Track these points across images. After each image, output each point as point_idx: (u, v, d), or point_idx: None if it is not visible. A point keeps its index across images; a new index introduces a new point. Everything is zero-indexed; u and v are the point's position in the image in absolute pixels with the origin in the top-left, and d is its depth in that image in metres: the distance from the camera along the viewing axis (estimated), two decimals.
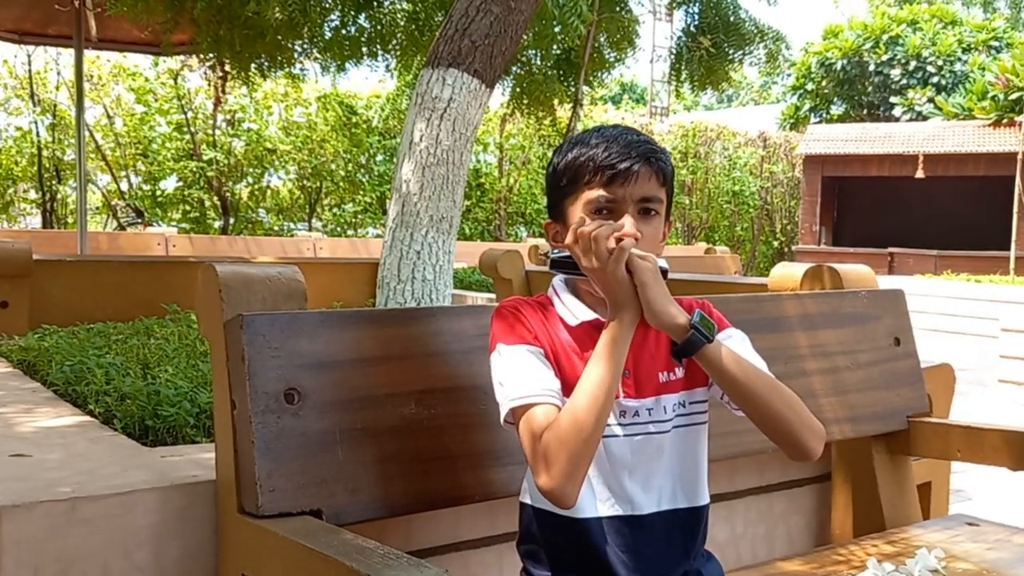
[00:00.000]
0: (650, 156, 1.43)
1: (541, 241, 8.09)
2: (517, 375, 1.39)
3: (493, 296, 5.57)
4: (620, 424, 1.44)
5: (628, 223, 1.40)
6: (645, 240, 1.41)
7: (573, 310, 1.47)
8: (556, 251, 1.47)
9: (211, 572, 1.59)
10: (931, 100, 20.84)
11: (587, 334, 1.44)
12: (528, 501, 1.49)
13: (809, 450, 1.42)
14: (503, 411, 1.41)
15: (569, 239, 1.40)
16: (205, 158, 14.44)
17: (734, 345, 1.47)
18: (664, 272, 1.39)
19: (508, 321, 1.45)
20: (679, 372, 1.48)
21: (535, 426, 1.35)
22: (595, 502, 1.44)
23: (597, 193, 1.43)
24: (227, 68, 7.96)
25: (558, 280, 1.52)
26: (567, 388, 1.39)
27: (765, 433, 1.43)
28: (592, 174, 1.43)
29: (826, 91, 23.30)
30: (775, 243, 20.66)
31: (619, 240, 1.36)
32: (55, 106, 14.15)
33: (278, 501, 1.43)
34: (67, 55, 12.75)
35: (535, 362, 1.41)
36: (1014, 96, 17.18)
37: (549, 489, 1.33)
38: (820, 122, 22.83)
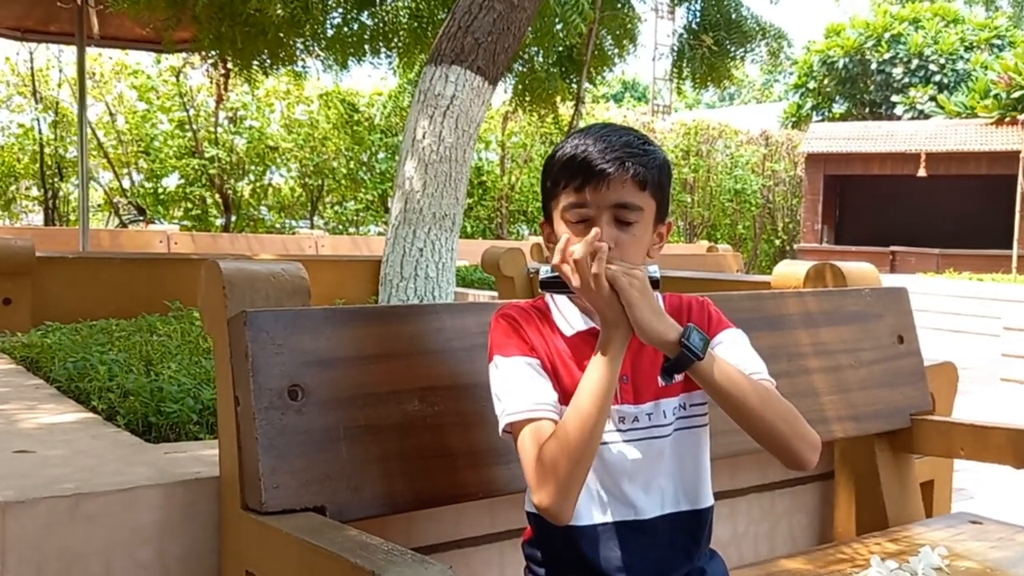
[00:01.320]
0: (626, 159, 1.37)
1: (542, 240, 8.07)
2: (514, 389, 1.39)
3: (495, 294, 5.57)
4: (619, 430, 1.43)
5: (604, 234, 1.35)
6: (622, 249, 1.37)
7: (569, 320, 1.46)
8: (545, 270, 1.44)
9: (214, 569, 1.59)
10: (933, 98, 20.85)
11: (585, 343, 1.43)
12: (531, 509, 1.48)
13: (803, 460, 1.40)
14: (500, 424, 1.40)
15: (555, 260, 1.38)
16: (207, 155, 14.44)
17: (728, 349, 1.45)
18: (655, 282, 1.36)
19: (505, 332, 1.43)
20: (678, 375, 1.46)
21: (532, 442, 1.34)
22: (596, 509, 1.43)
23: (571, 198, 1.40)
24: (229, 65, 7.95)
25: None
26: (565, 397, 1.39)
27: (757, 442, 1.41)
28: (567, 178, 1.40)
29: (828, 89, 23.30)
30: (777, 241, 20.66)
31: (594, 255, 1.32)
32: (57, 103, 14.16)
33: (282, 498, 1.43)
34: (69, 52, 12.73)
35: (532, 375, 1.40)
36: (1016, 94, 17.18)
37: (545, 507, 1.33)
38: (822, 120, 22.83)
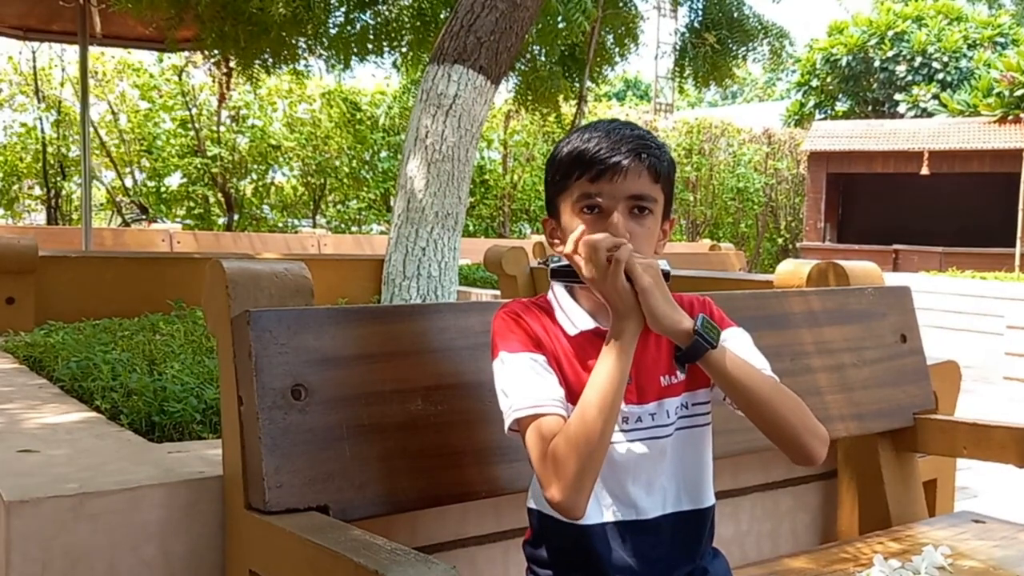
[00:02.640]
0: (641, 151, 1.39)
1: (545, 235, 8.07)
2: (521, 384, 1.38)
3: (498, 292, 5.58)
4: (622, 430, 1.42)
5: (619, 224, 1.36)
6: (637, 240, 1.37)
7: (572, 318, 1.45)
8: (555, 259, 1.44)
9: (218, 568, 1.59)
10: (936, 96, 20.81)
11: (588, 342, 1.42)
12: (534, 506, 1.49)
13: (812, 455, 1.40)
14: (507, 420, 1.39)
15: (568, 248, 1.38)
16: (209, 154, 14.45)
17: (735, 345, 1.45)
18: (666, 274, 1.36)
19: (510, 328, 1.43)
20: (680, 375, 1.46)
21: (542, 436, 1.33)
22: (599, 508, 1.43)
23: (585, 189, 1.40)
24: (231, 64, 7.95)
25: (557, 284, 1.49)
26: (570, 395, 1.38)
27: (767, 436, 1.41)
28: (581, 170, 1.40)
29: (831, 87, 23.27)
30: (779, 240, 20.64)
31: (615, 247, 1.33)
32: (60, 102, 14.17)
33: (285, 497, 1.43)
34: (71, 51, 12.76)
35: (539, 370, 1.39)
36: (1019, 93, 17.16)
37: (558, 501, 1.31)
38: (825, 118, 22.79)
